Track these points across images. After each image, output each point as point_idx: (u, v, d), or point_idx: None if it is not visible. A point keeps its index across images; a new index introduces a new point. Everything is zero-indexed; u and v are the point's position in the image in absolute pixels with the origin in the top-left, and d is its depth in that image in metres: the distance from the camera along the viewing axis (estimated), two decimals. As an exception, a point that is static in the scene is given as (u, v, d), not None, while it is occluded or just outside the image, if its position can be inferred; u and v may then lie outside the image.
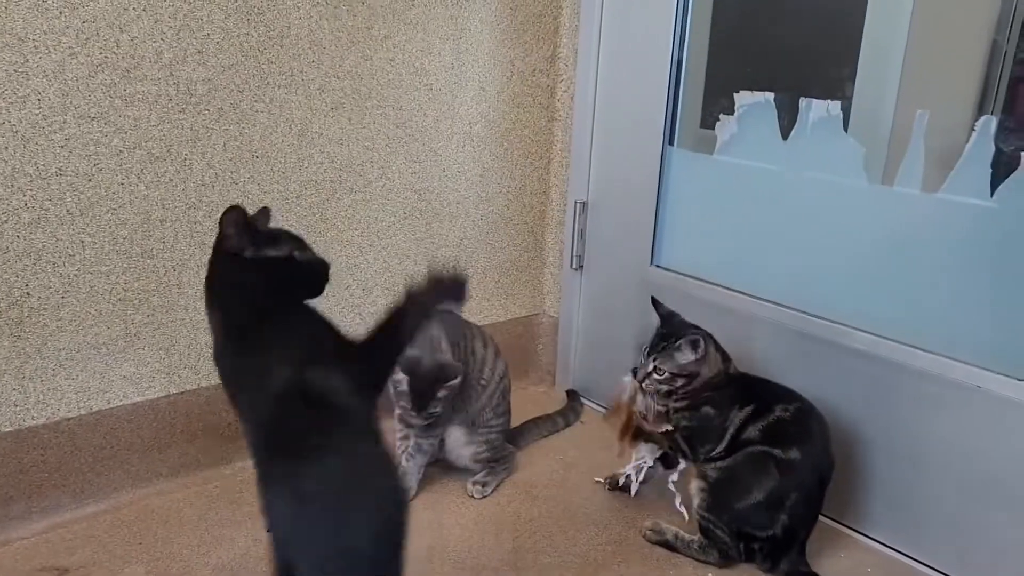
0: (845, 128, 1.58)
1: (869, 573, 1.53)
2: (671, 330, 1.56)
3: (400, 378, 1.59)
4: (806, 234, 1.68)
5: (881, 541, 1.61)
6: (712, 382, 1.53)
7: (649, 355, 1.55)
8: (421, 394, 1.59)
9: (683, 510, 1.60)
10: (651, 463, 1.67)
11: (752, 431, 1.48)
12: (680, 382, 1.53)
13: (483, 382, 1.73)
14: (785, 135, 1.66)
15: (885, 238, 1.56)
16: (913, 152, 1.48)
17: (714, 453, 1.52)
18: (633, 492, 1.69)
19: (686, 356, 1.51)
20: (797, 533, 1.47)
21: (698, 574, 1.50)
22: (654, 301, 1.63)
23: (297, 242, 1.20)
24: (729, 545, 1.49)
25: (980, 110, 1.47)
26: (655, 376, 1.54)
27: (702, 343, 1.50)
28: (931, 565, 1.54)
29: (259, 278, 1.17)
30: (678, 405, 1.55)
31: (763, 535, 1.46)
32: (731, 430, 1.50)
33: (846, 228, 1.61)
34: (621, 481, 1.72)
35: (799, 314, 1.67)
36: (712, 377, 1.53)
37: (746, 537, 1.47)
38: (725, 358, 1.56)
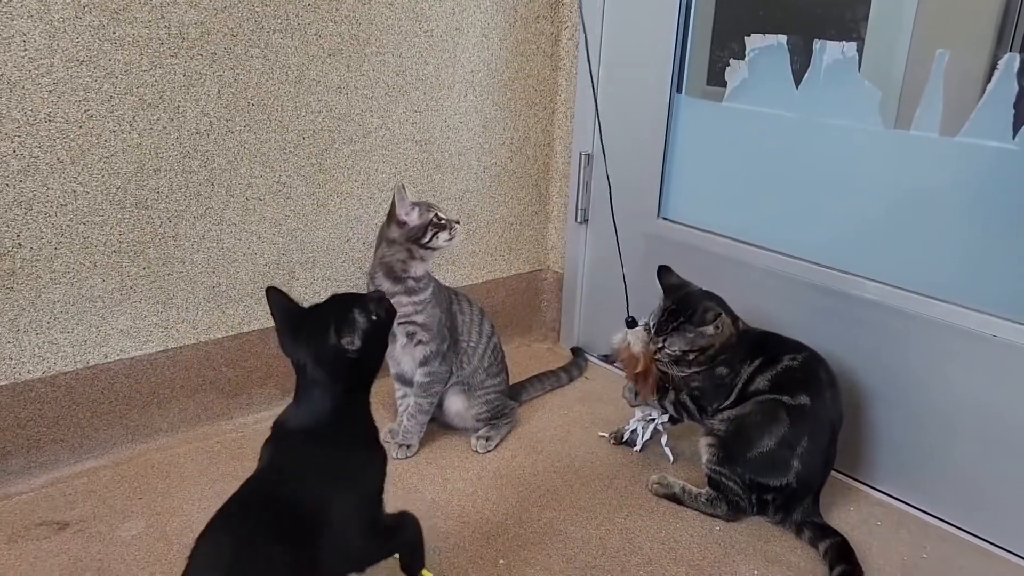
0: (859, 71, 1.52)
1: (878, 526, 1.51)
2: (680, 305, 1.50)
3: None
4: (818, 182, 1.63)
5: (890, 494, 1.59)
6: (725, 345, 1.49)
7: (657, 334, 1.51)
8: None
9: (668, 451, 1.64)
10: (656, 417, 1.65)
11: (760, 382, 1.46)
12: (693, 355, 1.50)
13: (472, 344, 1.70)
14: (798, 80, 1.61)
15: (900, 184, 1.51)
16: (931, 94, 1.43)
17: (721, 407, 1.50)
18: (639, 447, 1.67)
19: (703, 335, 1.47)
20: (811, 482, 1.45)
21: (705, 527, 1.48)
22: (661, 272, 1.57)
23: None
24: (741, 496, 1.47)
25: (1000, 48, 1.41)
26: (666, 352, 1.50)
27: (721, 319, 1.46)
28: (940, 516, 1.53)
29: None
30: (690, 370, 1.52)
31: (776, 484, 1.44)
32: (739, 384, 1.48)
33: (860, 175, 1.56)
34: (626, 436, 1.70)
35: (810, 264, 1.63)
36: (725, 341, 1.49)
37: (758, 488, 1.45)
38: (734, 319, 1.52)
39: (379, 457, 1.15)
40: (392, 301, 1.59)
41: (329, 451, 1.08)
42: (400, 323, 1.60)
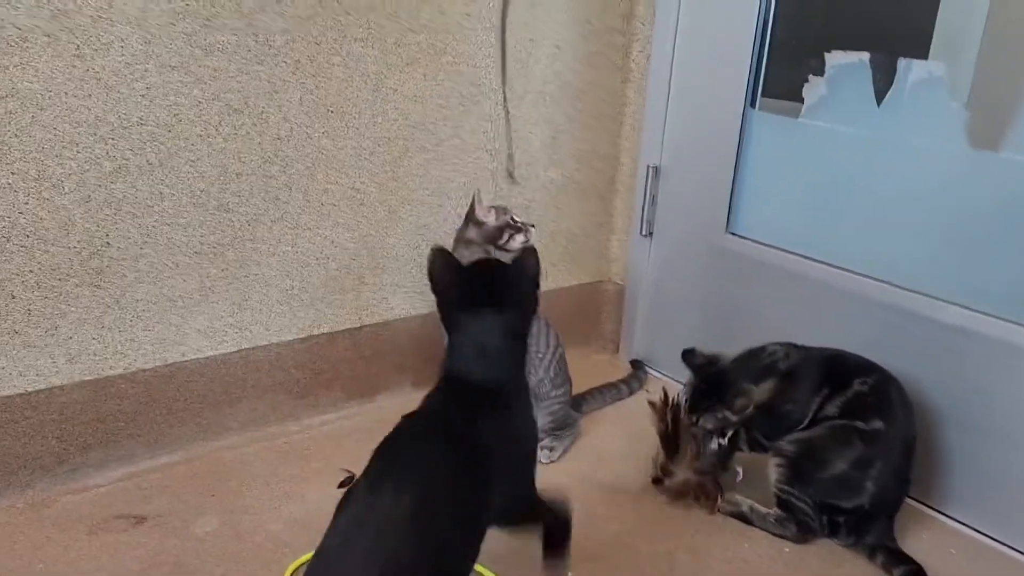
0: (947, 91, 1.50)
1: (953, 555, 1.48)
2: (710, 384, 1.52)
3: None
4: (897, 202, 1.60)
5: (966, 523, 1.55)
6: (768, 403, 1.49)
7: (691, 412, 1.53)
8: None
9: (738, 469, 1.61)
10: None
11: (831, 408, 1.44)
12: (732, 425, 1.52)
13: (539, 354, 1.70)
14: (879, 98, 1.59)
15: (985, 207, 1.48)
16: (1022, 117, 1.40)
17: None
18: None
19: (734, 414, 1.49)
20: (886, 504, 1.43)
21: (773, 548, 1.46)
22: (685, 354, 1.56)
23: None
24: (811, 517, 1.45)
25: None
26: (702, 427, 1.53)
27: (745, 397, 1.48)
28: (1022, 550, 1.49)
29: None
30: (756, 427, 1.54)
31: (849, 506, 1.42)
32: (811, 414, 1.47)
33: (942, 196, 1.54)
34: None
35: (885, 285, 1.61)
36: (768, 398, 1.49)
37: (830, 509, 1.43)
38: (772, 370, 1.50)
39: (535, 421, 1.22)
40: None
41: (506, 404, 1.13)
42: None
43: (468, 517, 1.02)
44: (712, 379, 1.52)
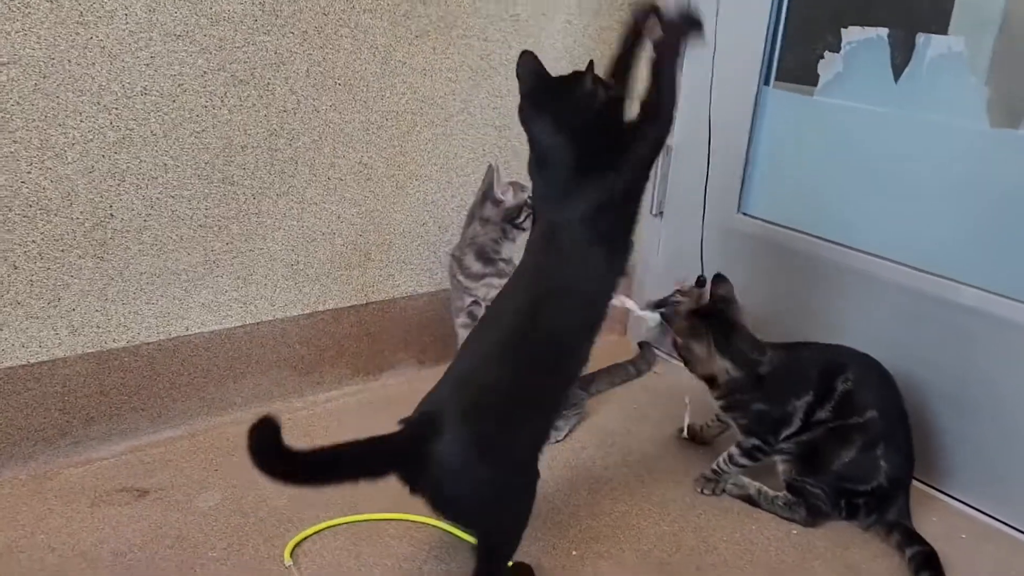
0: (966, 67, 1.47)
1: (963, 539, 1.46)
2: (702, 308, 1.49)
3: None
4: (914, 181, 1.57)
5: (977, 507, 1.54)
6: (730, 384, 1.47)
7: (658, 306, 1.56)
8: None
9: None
10: None
11: (822, 413, 1.43)
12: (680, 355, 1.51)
13: None
14: (897, 74, 1.55)
15: (1004, 185, 1.45)
16: (1045, 92, 1.37)
17: (789, 435, 1.46)
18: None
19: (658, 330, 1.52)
20: (900, 480, 1.42)
21: (782, 530, 1.45)
22: (716, 278, 1.50)
23: None
24: (823, 502, 1.43)
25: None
26: (663, 311, 1.56)
27: (667, 327, 1.50)
28: (1032, 534, 1.47)
29: None
30: (722, 403, 1.51)
31: (867, 488, 1.41)
32: (798, 415, 1.45)
33: (960, 174, 1.51)
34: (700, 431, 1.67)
35: (899, 266, 1.58)
36: (724, 380, 1.47)
37: (848, 493, 1.42)
38: (748, 363, 1.45)
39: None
40: (482, 283, 1.61)
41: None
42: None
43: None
44: (708, 309, 1.48)
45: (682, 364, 1.52)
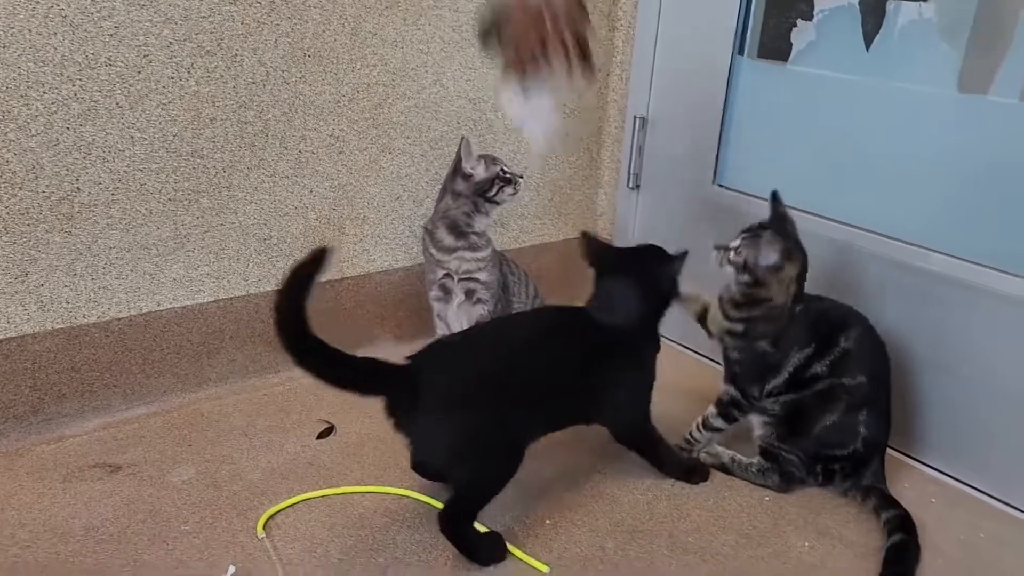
0: (937, 33, 1.46)
1: (933, 503, 1.47)
2: (773, 228, 1.42)
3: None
4: (886, 149, 1.57)
5: (947, 472, 1.55)
6: (774, 311, 1.43)
7: (740, 233, 1.45)
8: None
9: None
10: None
11: (819, 367, 1.42)
12: (744, 277, 1.42)
13: (521, 304, 1.69)
14: (868, 42, 1.55)
15: (974, 152, 1.45)
16: (1013, 57, 1.37)
17: (774, 389, 1.46)
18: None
19: (764, 258, 1.38)
20: (877, 444, 1.43)
21: (754, 497, 1.46)
22: (774, 194, 1.47)
23: None
24: (797, 468, 1.44)
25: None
26: (731, 254, 1.43)
27: (780, 252, 1.38)
28: (1000, 498, 1.48)
29: None
30: (737, 327, 1.47)
31: (844, 453, 1.42)
32: (789, 367, 1.44)
33: (931, 142, 1.51)
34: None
35: (872, 235, 1.59)
36: (779, 306, 1.43)
37: (825, 459, 1.43)
38: (797, 298, 1.43)
39: (653, 367, 1.43)
40: (454, 257, 1.61)
41: (632, 340, 1.40)
42: (460, 279, 1.60)
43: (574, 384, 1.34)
44: (781, 230, 1.42)
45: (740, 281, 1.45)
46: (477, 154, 1.63)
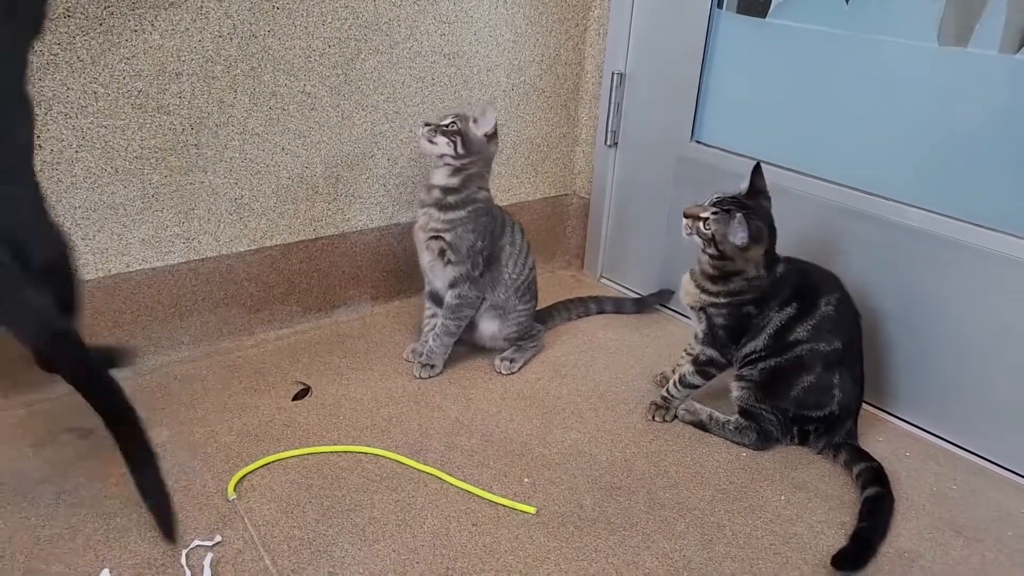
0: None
1: (907, 456, 1.49)
2: (744, 203, 1.40)
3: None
4: (865, 103, 1.56)
5: (920, 426, 1.57)
6: (749, 283, 1.43)
7: (712, 204, 1.41)
8: None
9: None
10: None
11: (801, 331, 1.42)
12: (714, 252, 1.40)
13: (512, 275, 1.65)
14: (849, -7, 1.53)
15: (954, 105, 1.44)
16: (992, 8, 1.35)
17: (752, 353, 1.46)
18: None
19: (732, 235, 1.37)
20: (849, 407, 1.44)
21: (732, 453, 1.47)
22: (757, 167, 1.44)
23: None
24: (775, 427, 1.45)
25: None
26: (701, 226, 1.40)
27: (748, 235, 1.36)
28: (971, 449, 1.50)
29: None
30: (717, 299, 1.46)
31: (819, 415, 1.43)
32: (770, 329, 1.44)
33: (910, 95, 1.49)
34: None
35: (850, 190, 1.58)
36: (750, 278, 1.42)
37: (801, 420, 1.44)
38: (771, 265, 1.43)
39: None
40: (423, 212, 1.58)
41: None
42: (429, 237, 1.57)
43: None
44: (755, 206, 1.41)
45: (708, 256, 1.43)
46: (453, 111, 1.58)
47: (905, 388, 1.57)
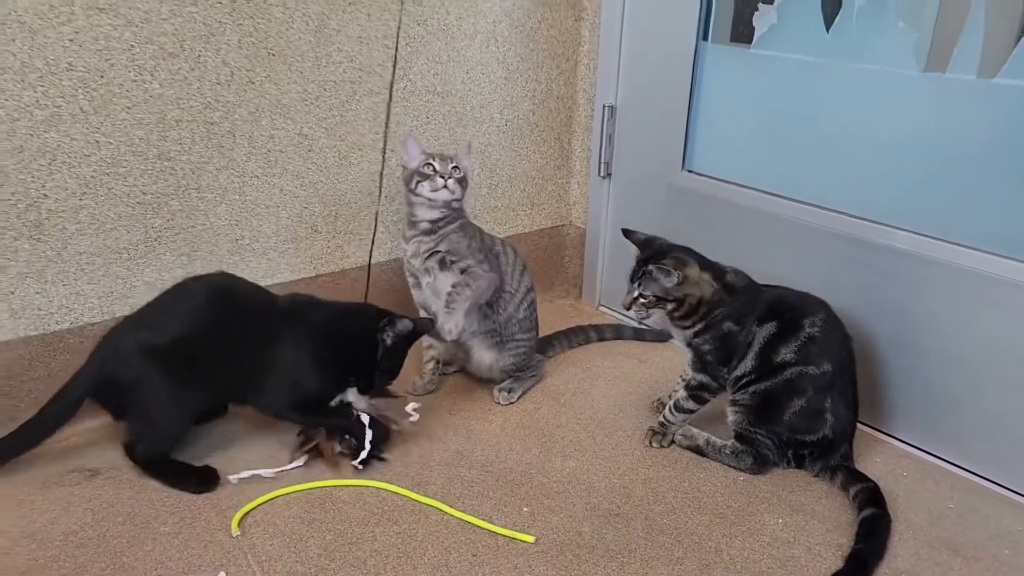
0: (894, 12, 1.48)
1: (904, 476, 1.50)
2: (651, 254, 1.49)
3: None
4: (849, 129, 1.59)
5: (916, 445, 1.58)
6: (712, 300, 1.47)
7: (631, 281, 1.51)
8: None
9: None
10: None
11: (786, 353, 1.44)
12: (671, 306, 1.48)
13: (511, 289, 1.68)
14: (829, 23, 1.57)
15: (935, 130, 1.48)
16: (969, 34, 1.39)
17: (744, 376, 1.48)
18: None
19: (664, 282, 1.45)
20: (844, 431, 1.46)
21: (728, 477, 1.48)
22: (625, 232, 1.56)
23: None
24: (771, 451, 1.47)
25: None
26: (643, 302, 1.48)
27: (673, 271, 1.44)
28: (967, 468, 1.51)
29: None
30: (697, 328, 1.50)
31: (813, 439, 1.45)
32: (756, 347, 1.46)
33: (892, 120, 1.53)
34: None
35: (837, 214, 1.61)
36: (710, 296, 1.47)
37: (796, 444, 1.46)
38: (718, 274, 1.48)
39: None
40: (411, 242, 1.62)
41: None
42: (427, 257, 1.60)
43: None
44: (655, 250, 1.50)
45: (670, 312, 1.49)
46: (423, 150, 1.61)
47: (902, 409, 1.58)
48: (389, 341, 1.47)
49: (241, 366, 1.40)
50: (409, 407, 1.64)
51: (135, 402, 1.38)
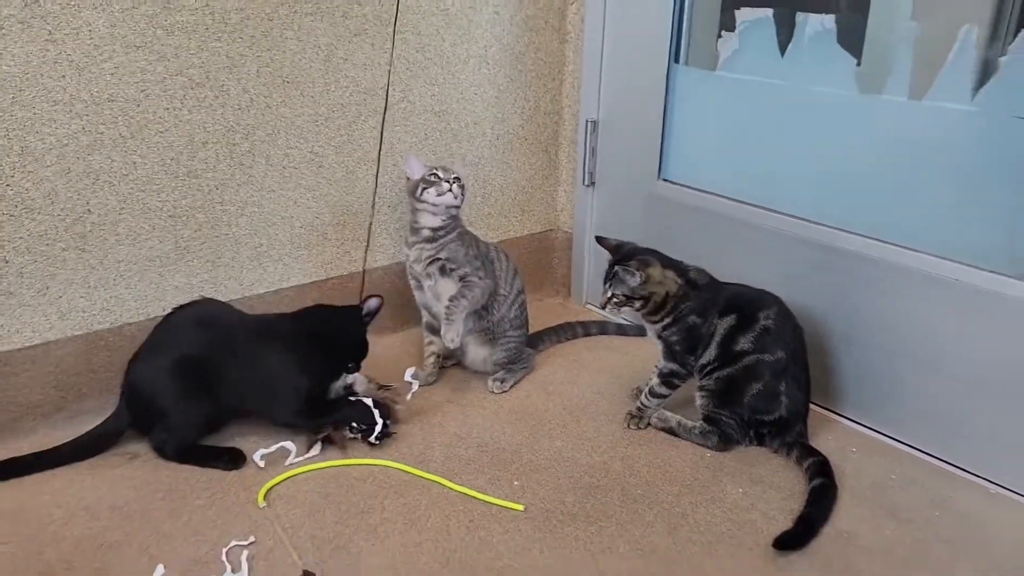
0: (838, 41, 1.67)
1: (854, 452, 1.68)
2: (621, 258, 1.68)
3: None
4: (802, 143, 1.78)
5: (866, 425, 1.76)
6: (677, 295, 1.66)
7: (604, 282, 1.70)
8: None
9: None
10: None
11: (744, 343, 1.62)
12: (638, 303, 1.66)
13: (503, 293, 1.87)
14: (783, 50, 1.75)
15: (875, 144, 1.66)
16: (901, 62, 1.57)
17: (708, 364, 1.66)
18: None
19: (629, 282, 1.63)
20: (798, 411, 1.64)
21: (697, 454, 1.66)
22: (598, 239, 1.76)
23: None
24: (735, 430, 1.65)
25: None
26: (614, 301, 1.68)
27: (636, 271, 1.62)
28: (910, 443, 1.70)
29: None
30: (665, 322, 1.68)
31: (771, 419, 1.63)
32: (717, 337, 1.64)
33: (839, 136, 1.71)
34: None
35: (795, 219, 1.79)
36: (675, 292, 1.65)
37: (757, 423, 1.64)
38: (681, 272, 1.67)
39: None
40: (413, 249, 1.80)
41: None
42: (428, 264, 1.79)
43: None
44: (624, 254, 1.69)
45: (639, 309, 1.68)
46: (424, 164, 1.80)
47: (853, 391, 1.77)
48: (369, 321, 1.71)
49: (240, 375, 1.58)
50: (407, 375, 1.87)
51: (157, 412, 1.57)
